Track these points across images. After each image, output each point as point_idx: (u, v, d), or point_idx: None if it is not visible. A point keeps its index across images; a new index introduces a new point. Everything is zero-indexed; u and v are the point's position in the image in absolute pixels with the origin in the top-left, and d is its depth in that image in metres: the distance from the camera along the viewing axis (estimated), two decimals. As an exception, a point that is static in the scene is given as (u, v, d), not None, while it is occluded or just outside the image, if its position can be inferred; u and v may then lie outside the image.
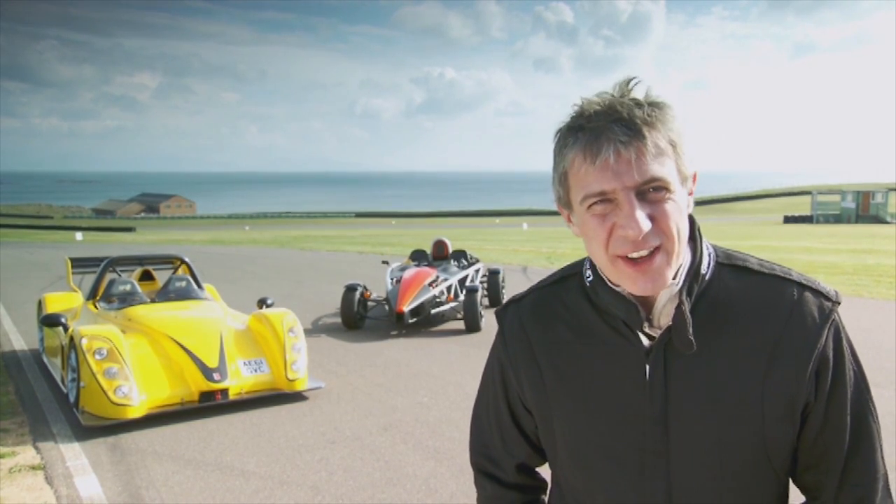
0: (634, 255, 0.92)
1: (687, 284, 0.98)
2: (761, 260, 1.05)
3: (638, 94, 0.93)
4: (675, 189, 0.93)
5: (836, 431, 0.99)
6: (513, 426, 1.19)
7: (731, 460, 0.98)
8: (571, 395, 1.06)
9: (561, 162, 0.97)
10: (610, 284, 1.01)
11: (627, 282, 0.95)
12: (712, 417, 0.97)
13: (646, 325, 1.00)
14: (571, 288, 1.09)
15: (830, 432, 0.99)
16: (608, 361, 1.03)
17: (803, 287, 1.00)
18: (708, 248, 1.04)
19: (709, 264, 1.02)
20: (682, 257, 0.98)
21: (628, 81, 0.95)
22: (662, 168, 0.91)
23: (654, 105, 0.92)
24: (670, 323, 0.98)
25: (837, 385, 0.98)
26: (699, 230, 1.03)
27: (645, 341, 1.01)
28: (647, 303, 0.99)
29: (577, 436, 1.06)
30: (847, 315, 1.04)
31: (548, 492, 1.24)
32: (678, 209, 0.93)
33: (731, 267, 1.03)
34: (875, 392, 1.02)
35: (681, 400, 0.98)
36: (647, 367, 0.99)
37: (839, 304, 1.00)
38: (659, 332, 0.99)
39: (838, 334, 0.99)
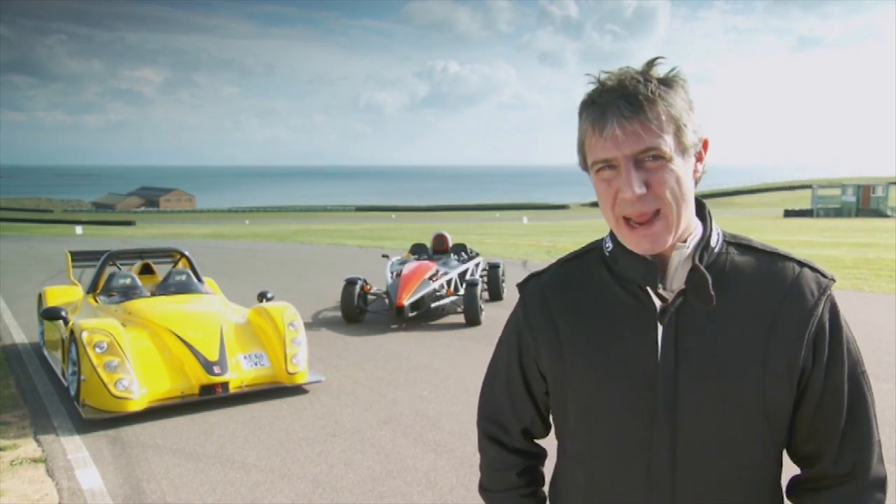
0: (637, 219, 1.03)
1: (698, 252, 1.08)
2: (763, 242, 1.15)
3: (660, 71, 1.03)
4: (673, 158, 1.02)
5: (835, 399, 1.08)
6: (524, 390, 1.26)
7: (733, 415, 1.06)
8: (586, 354, 1.13)
9: (579, 132, 1.08)
10: (629, 247, 1.10)
11: (629, 242, 1.06)
12: (720, 373, 1.06)
13: (660, 286, 1.09)
14: (591, 260, 1.19)
15: (830, 400, 1.08)
16: (623, 322, 1.11)
17: (802, 264, 1.12)
18: (717, 228, 1.15)
19: (718, 240, 1.13)
20: (686, 224, 1.07)
21: (653, 60, 1.05)
22: (659, 139, 1.01)
23: (664, 82, 1.02)
24: (682, 286, 1.07)
25: (835, 353, 1.08)
26: (709, 212, 1.14)
27: (657, 303, 1.09)
28: (661, 266, 1.09)
29: (591, 393, 1.13)
30: (847, 309, 1.07)
31: (554, 465, 1.29)
32: (675, 177, 1.02)
33: (737, 245, 1.14)
34: (875, 385, 1.03)
35: (691, 357, 1.07)
36: (660, 326, 1.08)
37: (834, 281, 1.11)
38: (671, 294, 1.08)
39: (835, 307, 1.10)
